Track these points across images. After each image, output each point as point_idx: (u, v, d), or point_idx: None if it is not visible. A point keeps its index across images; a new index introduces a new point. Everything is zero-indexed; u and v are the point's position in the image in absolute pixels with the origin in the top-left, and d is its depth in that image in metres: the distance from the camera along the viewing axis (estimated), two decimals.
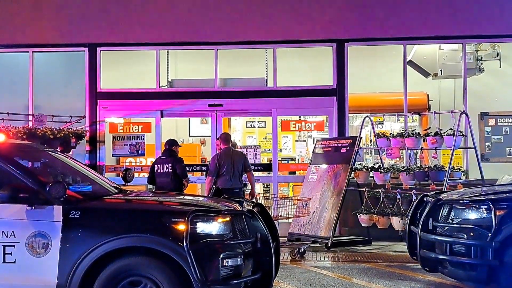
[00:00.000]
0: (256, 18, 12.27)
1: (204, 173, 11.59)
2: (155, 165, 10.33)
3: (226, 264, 5.20)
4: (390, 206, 10.33)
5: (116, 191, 6.36)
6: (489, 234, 6.23)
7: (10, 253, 5.21)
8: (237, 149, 11.16)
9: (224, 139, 10.27)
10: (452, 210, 6.71)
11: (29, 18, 12.43)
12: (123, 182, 7.08)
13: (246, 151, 12.41)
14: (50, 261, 5.16)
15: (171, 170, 10.14)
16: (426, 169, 10.20)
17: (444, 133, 10.04)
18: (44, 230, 5.21)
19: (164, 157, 10.32)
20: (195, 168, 12.44)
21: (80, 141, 11.59)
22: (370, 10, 12.18)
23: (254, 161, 12.42)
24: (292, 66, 13.03)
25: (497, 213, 6.26)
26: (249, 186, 10.32)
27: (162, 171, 10.20)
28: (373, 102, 13.45)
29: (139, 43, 12.45)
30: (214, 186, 9.93)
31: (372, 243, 10.87)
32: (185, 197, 7.25)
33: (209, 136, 12.75)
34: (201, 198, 7.31)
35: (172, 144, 10.45)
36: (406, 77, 12.15)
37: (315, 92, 12.30)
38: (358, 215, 10.70)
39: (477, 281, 6.48)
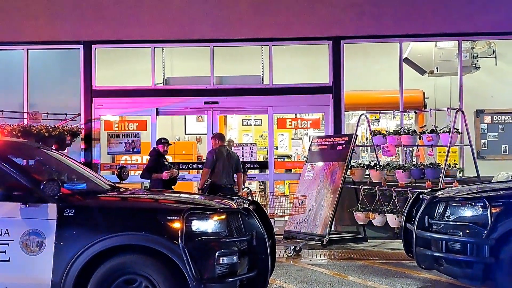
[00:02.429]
0: (252, 16, 12.24)
1: (200, 171, 11.58)
2: None
3: (222, 262, 5.18)
4: (386, 203, 10.33)
5: (111, 189, 6.34)
6: (485, 232, 6.23)
7: (4, 252, 5.18)
8: (232, 148, 11.30)
9: (220, 138, 10.59)
10: (448, 208, 6.71)
11: (23, 15, 12.37)
12: (118, 180, 7.05)
13: (242, 149, 12.41)
14: (45, 260, 5.14)
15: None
16: (422, 166, 10.20)
17: (440, 130, 10.04)
18: (38, 228, 5.19)
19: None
20: (190, 166, 12.43)
21: (75, 139, 11.55)
22: (366, 8, 12.16)
23: (250, 159, 12.40)
24: (288, 64, 13.01)
25: (493, 211, 6.26)
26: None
27: None
28: (369, 100, 13.45)
29: (135, 40, 12.42)
30: (209, 180, 10.04)
31: (368, 240, 10.87)
32: (181, 195, 7.23)
33: (205, 134, 12.71)
34: (196, 196, 7.29)
35: (156, 142, 10.54)
36: (402, 75, 12.15)
37: (311, 90, 12.29)
38: (354, 213, 10.70)
39: (472, 279, 6.46)
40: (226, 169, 10.19)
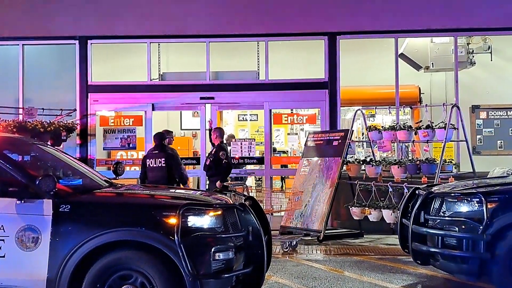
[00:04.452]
0: (248, 11, 12.21)
1: (197, 166, 11.56)
2: (147, 159, 10.25)
3: (218, 258, 5.18)
4: (381, 199, 10.34)
5: (107, 184, 6.33)
6: (481, 227, 6.24)
7: (0, 248, 5.17)
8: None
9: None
10: (444, 203, 6.72)
11: (19, 10, 12.32)
12: (114, 176, 7.03)
13: (241, 143, 12.39)
14: (40, 255, 5.13)
15: (164, 165, 10.11)
16: (418, 162, 10.21)
17: (435, 126, 10.04)
18: (34, 224, 5.18)
19: (157, 151, 10.26)
20: (185, 161, 12.38)
21: (70, 134, 11.52)
22: (362, 3, 12.16)
23: (249, 154, 12.37)
24: (284, 59, 13.00)
25: (489, 206, 6.28)
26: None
27: (155, 165, 10.13)
28: (365, 95, 13.46)
29: (130, 35, 12.39)
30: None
31: (364, 236, 10.88)
32: (176, 190, 7.23)
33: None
34: (192, 192, 7.28)
35: (163, 138, 10.37)
36: (397, 70, 12.16)
37: (307, 85, 12.28)
38: (350, 208, 10.70)
39: (468, 274, 6.49)
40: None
